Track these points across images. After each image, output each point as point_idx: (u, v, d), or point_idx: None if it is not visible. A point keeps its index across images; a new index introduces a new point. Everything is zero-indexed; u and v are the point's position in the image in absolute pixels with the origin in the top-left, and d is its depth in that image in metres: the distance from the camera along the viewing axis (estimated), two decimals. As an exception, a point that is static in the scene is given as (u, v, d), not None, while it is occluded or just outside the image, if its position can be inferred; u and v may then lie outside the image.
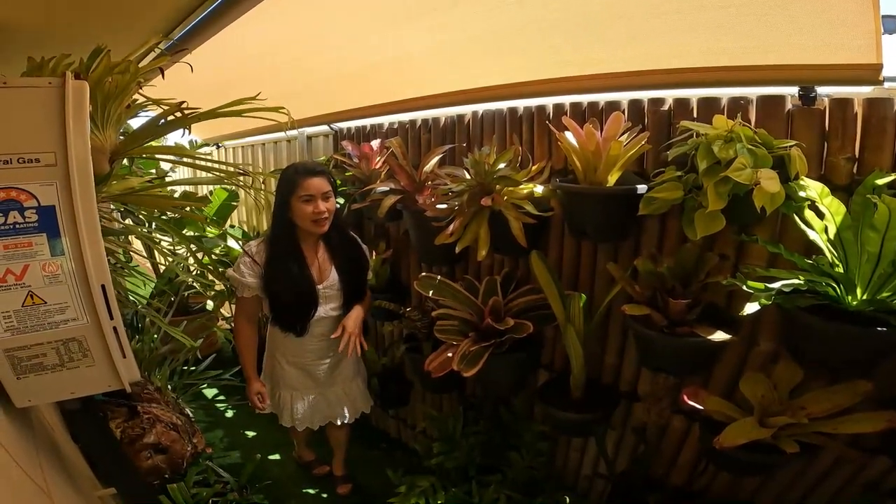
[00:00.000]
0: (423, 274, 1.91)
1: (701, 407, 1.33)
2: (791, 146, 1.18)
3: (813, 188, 1.15)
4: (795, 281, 1.10)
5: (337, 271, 2.03)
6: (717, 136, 1.21)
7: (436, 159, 1.98)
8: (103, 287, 1.02)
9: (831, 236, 1.14)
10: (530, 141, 1.80)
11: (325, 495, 2.48)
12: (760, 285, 1.11)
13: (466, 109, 2.05)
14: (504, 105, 1.90)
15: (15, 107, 0.97)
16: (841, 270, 1.13)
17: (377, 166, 2.17)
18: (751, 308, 1.08)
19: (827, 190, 1.15)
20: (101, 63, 1.46)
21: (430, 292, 1.82)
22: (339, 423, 2.26)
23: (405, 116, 2.32)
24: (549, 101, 1.77)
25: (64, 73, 1.03)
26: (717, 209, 1.17)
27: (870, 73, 1.18)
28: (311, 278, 1.96)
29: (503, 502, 1.89)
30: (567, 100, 1.73)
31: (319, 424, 2.24)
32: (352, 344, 1.98)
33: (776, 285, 1.09)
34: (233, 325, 2.03)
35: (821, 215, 1.16)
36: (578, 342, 1.56)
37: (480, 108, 1.99)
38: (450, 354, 1.68)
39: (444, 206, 1.74)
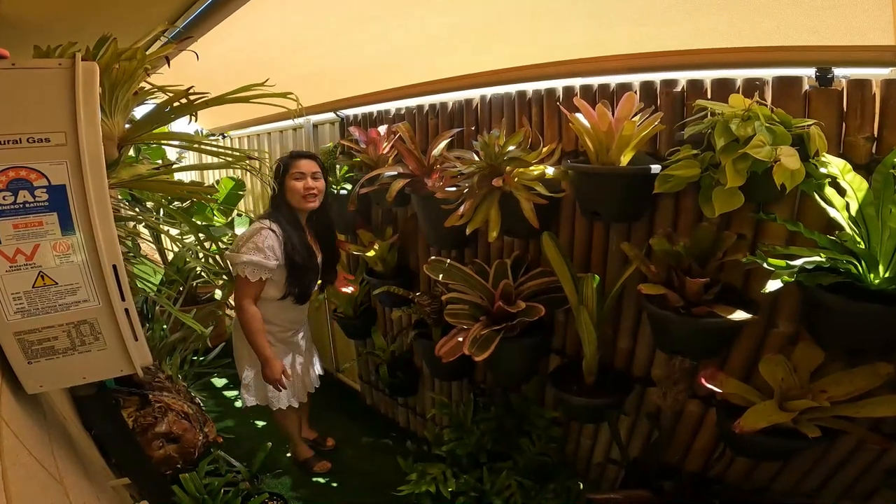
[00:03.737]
0: (433, 258, 1.90)
1: (719, 390, 1.31)
2: (810, 125, 1.16)
3: (834, 165, 1.12)
4: (817, 258, 1.08)
5: (318, 248, 2.26)
6: (734, 114, 1.19)
7: (444, 143, 1.96)
8: (115, 268, 1.01)
9: (853, 213, 1.12)
10: (540, 123, 1.78)
11: (335, 484, 2.49)
12: (782, 262, 1.09)
13: (474, 94, 2.03)
14: (513, 88, 1.88)
15: (24, 87, 0.96)
16: (863, 247, 1.10)
17: (385, 151, 2.15)
18: (773, 285, 1.06)
19: (849, 166, 1.13)
20: (108, 50, 1.45)
21: (440, 276, 1.81)
22: (313, 389, 2.47)
23: (412, 102, 2.30)
24: (558, 84, 1.75)
25: (74, 54, 1.02)
26: (736, 186, 1.15)
27: (888, 55, 1.16)
28: (315, 251, 2.22)
29: (514, 489, 1.89)
30: (577, 82, 1.71)
31: (306, 396, 2.43)
32: None
33: (798, 262, 1.07)
34: (239, 311, 2.05)
35: (842, 192, 1.14)
36: (592, 325, 1.54)
37: (488, 91, 1.97)
38: (460, 339, 1.67)
39: (454, 188, 1.72)
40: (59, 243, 0.97)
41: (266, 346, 2.06)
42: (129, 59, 1.46)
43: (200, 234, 1.87)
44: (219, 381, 3.39)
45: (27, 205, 0.94)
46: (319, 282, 2.33)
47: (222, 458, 2.25)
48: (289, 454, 2.64)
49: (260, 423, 2.96)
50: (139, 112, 1.70)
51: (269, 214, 2.11)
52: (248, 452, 2.43)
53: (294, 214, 2.13)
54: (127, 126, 1.58)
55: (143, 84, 1.62)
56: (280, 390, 2.13)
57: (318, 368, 2.52)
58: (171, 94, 1.61)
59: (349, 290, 2.49)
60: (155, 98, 1.70)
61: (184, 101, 1.61)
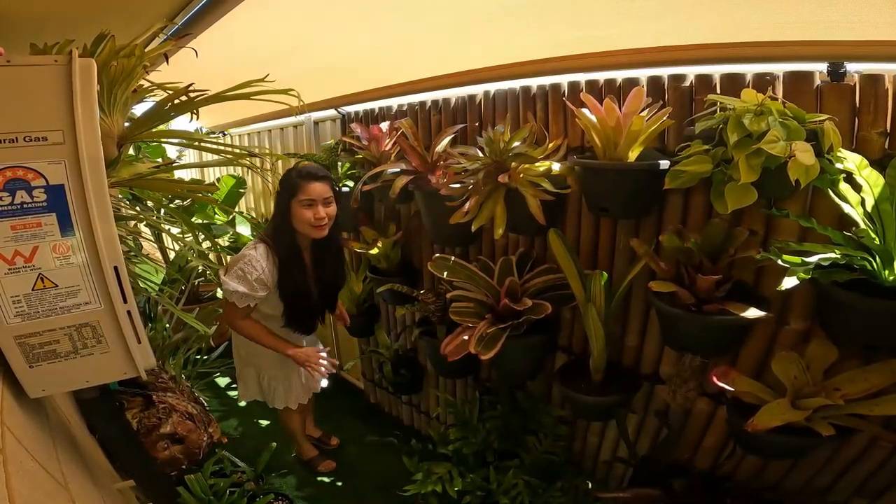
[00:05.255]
0: (438, 255, 1.88)
1: (731, 388, 1.29)
2: (824, 119, 1.14)
3: (851, 160, 1.10)
4: (832, 255, 1.06)
5: (315, 276, 2.04)
6: (747, 109, 1.16)
7: (448, 139, 1.94)
8: (116, 269, 0.98)
9: (868, 209, 1.10)
10: (545, 119, 1.76)
11: (340, 483, 2.48)
12: (797, 259, 1.06)
13: (478, 89, 2.01)
14: (517, 84, 1.85)
15: (19, 85, 0.94)
16: (878, 243, 1.08)
17: (387, 148, 2.13)
18: (789, 282, 1.04)
19: (865, 161, 1.10)
20: (106, 47, 1.43)
21: (445, 273, 1.79)
22: (318, 390, 2.41)
23: (414, 98, 2.27)
24: (563, 79, 1.72)
25: (70, 50, 1.00)
26: (749, 181, 1.12)
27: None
28: (311, 285, 2.02)
29: (521, 488, 1.87)
30: (583, 77, 1.68)
31: (307, 398, 2.35)
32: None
33: (814, 259, 1.05)
34: (234, 329, 2.01)
35: (857, 188, 1.12)
36: (599, 322, 1.52)
37: (492, 87, 1.94)
38: (466, 337, 1.65)
39: (458, 185, 1.70)
40: (58, 244, 0.95)
41: (279, 342, 1.97)
42: (128, 56, 1.44)
43: (199, 234, 1.84)
44: (222, 381, 3.37)
45: (25, 205, 0.92)
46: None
47: (227, 459, 2.24)
48: (294, 454, 2.63)
49: (264, 423, 2.95)
50: (139, 110, 1.68)
51: (268, 237, 1.94)
52: (253, 452, 2.42)
53: (297, 242, 1.94)
54: (126, 124, 1.56)
55: (142, 81, 1.60)
56: (327, 374, 2.01)
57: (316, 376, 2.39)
58: (170, 92, 1.59)
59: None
60: (154, 96, 1.67)
61: (184, 98, 1.59)
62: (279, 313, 2.01)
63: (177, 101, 1.58)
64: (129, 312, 1.04)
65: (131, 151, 2.61)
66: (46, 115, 0.93)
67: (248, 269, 1.84)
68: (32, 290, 0.96)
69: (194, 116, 1.71)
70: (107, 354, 1.07)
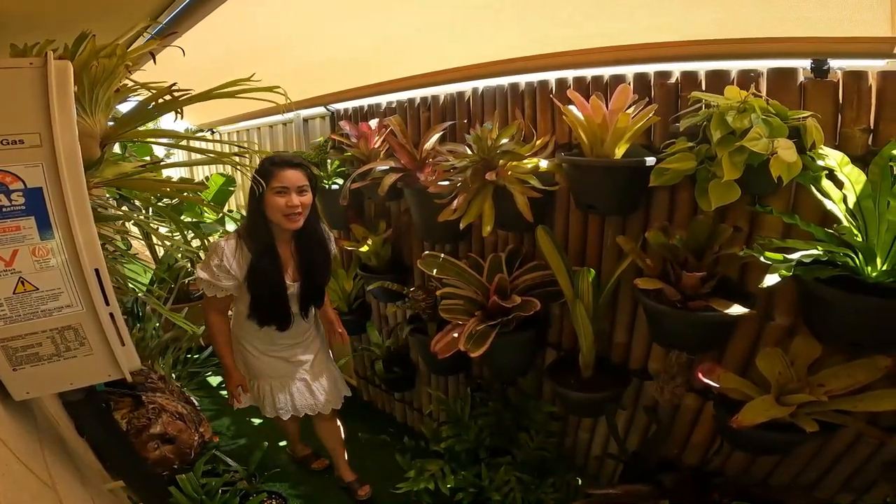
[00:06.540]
0: (427, 252, 1.88)
1: (716, 385, 1.30)
2: (806, 116, 1.14)
3: (832, 157, 1.11)
4: (815, 251, 1.06)
5: (298, 271, 1.97)
6: (730, 106, 1.17)
7: (436, 136, 1.93)
8: (97, 271, 0.98)
9: (850, 205, 1.10)
10: (533, 116, 1.76)
11: (333, 481, 2.47)
12: (779, 256, 1.07)
13: (466, 86, 2.00)
14: (505, 81, 1.85)
15: (-5, 88, 0.93)
16: (860, 240, 1.09)
17: (376, 146, 2.12)
18: (771, 280, 1.04)
19: (847, 158, 1.11)
20: (87, 47, 1.42)
21: (434, 271, 1.79)
22: (327, 411, 2.20)
23: (403, 95, 2.27)
24: (551, 76, 1.72)
25: (46, 52, 0.99)
26: (732, 179, 1.13)
27: (884, 47, 1.15)
28: (283, 279, 1.92)
29: (513, 484, 1.88)
30: (570, 74, 1.68)
31: (304, 413, 2.16)
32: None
33: (795, 256, 1.05)
34: (205, 321, 1.96)
35: (839, 185, 1.12)
36: (587, 319, 1.53)
37: (481, 84, 1.94)
38: (456, 335, 1.66)
39: (447, 182, 1.70)
40: (38, 248, 0.94)
41: (228, 356, 1.95)
42: (109, 55, 1.42)
43: (189, 233, 1.83)
44: (214, 380, 3.36)
45: (3, 209, 0.91)
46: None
47: (219, 458, 2.24)
48: (287, 449, 2.63)
49: (256, 422, 2.94)
50: (125, 109, 1.66)
51: (240, 229, 1.91)
52: (246, 451, 2.42)
53: (270, 232, 1.86)
54: (110, 124, 1.54)
55: (125, 81, 1.58)
56: (234, 400, 2.01)
57: (321, 396, 2.17)
58: (154, 91, 1.57)
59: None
60: (138, 95, 1.66)
61: (168, 97, 1.57)
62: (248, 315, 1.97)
63: (161, 101, 1.56)
64: (111, 315, 1.04)
65: (118, 150, 2.60)
66: (23, 117, 0.92)
67: (212, 257, 1.82)
68: (13, 293, 0.95)
69: (179, 115, 1.69)
70: (90, 357, 1.07)
